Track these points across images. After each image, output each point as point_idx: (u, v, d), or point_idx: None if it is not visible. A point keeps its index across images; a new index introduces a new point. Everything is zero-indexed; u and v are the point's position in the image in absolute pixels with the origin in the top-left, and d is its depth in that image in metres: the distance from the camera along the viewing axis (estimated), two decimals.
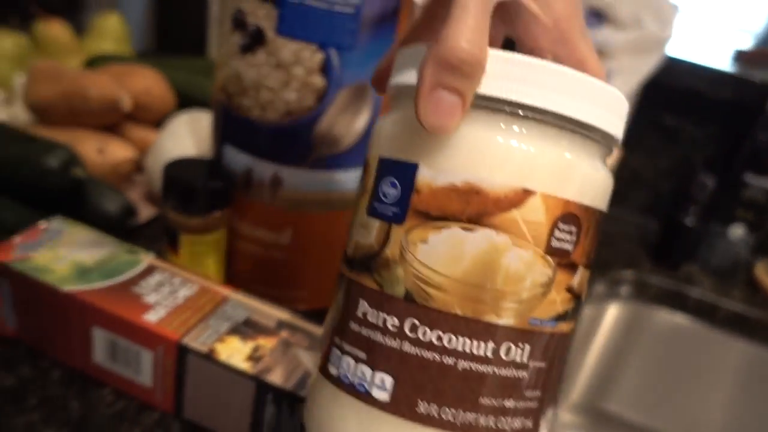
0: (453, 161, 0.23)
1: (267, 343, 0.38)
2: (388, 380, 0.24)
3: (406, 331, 0.24)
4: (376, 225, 0.25)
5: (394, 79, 0.26)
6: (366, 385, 0.24)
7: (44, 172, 0.50)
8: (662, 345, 0.80)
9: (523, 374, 0.24)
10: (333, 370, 0.26)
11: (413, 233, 0.23)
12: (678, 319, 0.78)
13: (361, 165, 0.28)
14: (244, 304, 0.41)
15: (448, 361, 0.23)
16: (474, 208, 0.23)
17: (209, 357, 0.36)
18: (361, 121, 0.43)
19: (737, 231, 0.76)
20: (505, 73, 0.23)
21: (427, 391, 0.23)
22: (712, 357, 0.78)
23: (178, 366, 0.37)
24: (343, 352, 0.25)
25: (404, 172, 0.24)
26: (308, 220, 0.46)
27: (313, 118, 0.41)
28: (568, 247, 0.24)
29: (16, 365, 0.41)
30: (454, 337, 0.23)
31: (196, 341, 0.37)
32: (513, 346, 0.23)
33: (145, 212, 0.60)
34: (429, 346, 0.23)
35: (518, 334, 0.23)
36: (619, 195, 0.80)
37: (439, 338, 0.23)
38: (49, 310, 0.40)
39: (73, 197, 0.52)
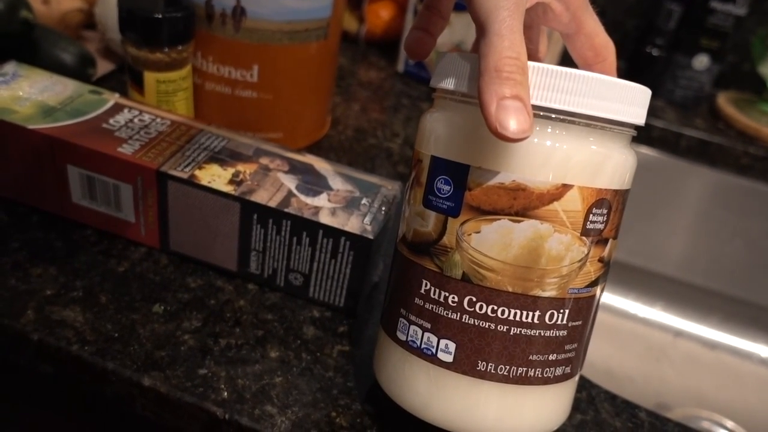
0: (501, 163, 0.26)
1: (247, 168, 0.37)
2: (452, 345, 0.29)
3: (465, 306, 0.28)
4: (432, 216, 0.28)
5: (440, 82, 0.29)
6: (432, 350, 0.29)
7: None
8: None
9: (563, 333, 0.29)
10: (401, 336, 0.30)
11: (467, 225, 0.27)
12: (643, 151, 0.79)
13: None
14: (220, 135, 0.40)
15: (502, 328, 0.28)
16: (521, 203, 0.26)
17: (190, 182, 0.35)
18: None
19: (702, 61, 0.77)
20: (539, 83, 0.26)
21: (485, 352, 0.28)
22: (675, 186, 0.80)
23: (160, 196, 0.36)
24: (410, 321, 0.30)
25: (457, 172, 0.27)
26: (274, 53, 0.46)
27: None
28: (600, 226, 0.28)
29: None
30: (506, 309, 0.28)
31: (175, 169, 0.36)
32: (555, 312, 0.28)
33: (103, 67, 0.57)
34: (485, 317, 0.28)
35: (559, 303, 0.28)
36: None
37: (494, 311, 0.28)
38: (19, 152, 0.38)
39: (25, 45, 0.50)
